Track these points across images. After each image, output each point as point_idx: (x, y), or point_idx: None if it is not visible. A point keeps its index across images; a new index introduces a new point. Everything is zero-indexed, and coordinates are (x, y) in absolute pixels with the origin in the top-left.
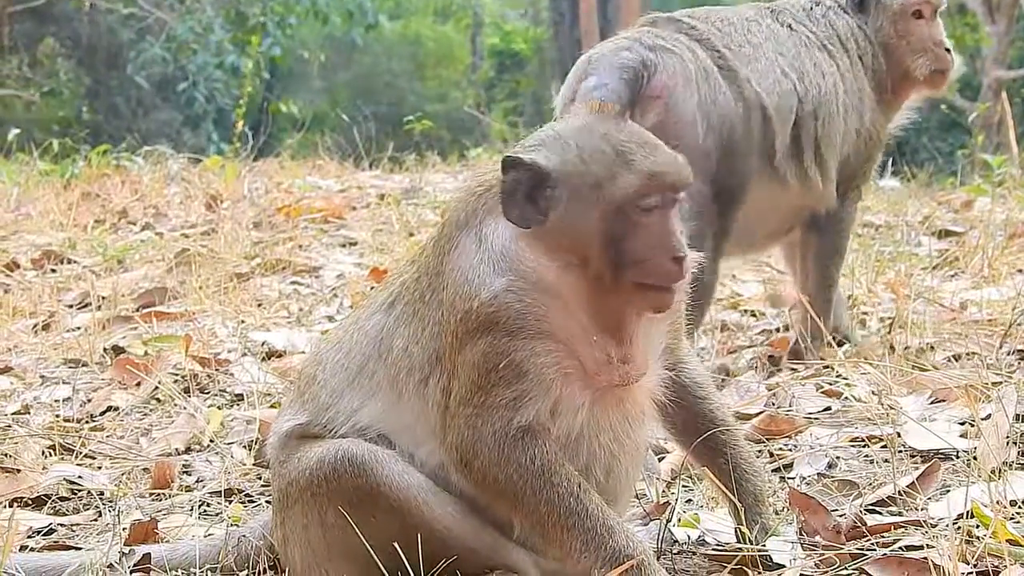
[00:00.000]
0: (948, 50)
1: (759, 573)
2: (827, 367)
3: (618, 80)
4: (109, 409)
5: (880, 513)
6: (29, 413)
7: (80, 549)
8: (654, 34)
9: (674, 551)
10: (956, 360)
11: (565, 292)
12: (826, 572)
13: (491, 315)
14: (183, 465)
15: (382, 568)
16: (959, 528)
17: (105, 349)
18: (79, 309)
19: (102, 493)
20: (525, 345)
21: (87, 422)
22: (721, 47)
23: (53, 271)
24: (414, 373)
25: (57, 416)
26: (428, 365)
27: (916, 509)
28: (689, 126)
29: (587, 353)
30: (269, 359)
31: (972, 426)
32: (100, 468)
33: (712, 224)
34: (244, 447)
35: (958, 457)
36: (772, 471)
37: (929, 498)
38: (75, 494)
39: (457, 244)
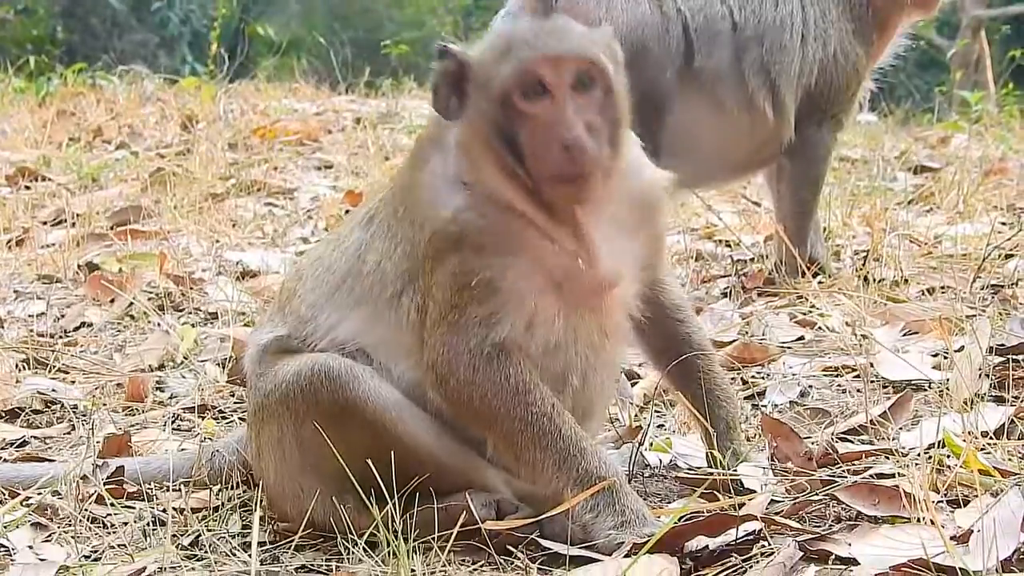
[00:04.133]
0: None
1: (730, 497)
2: (801, 297)
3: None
4: (83, 325)
5: (852, 442)
6: (3, 327)
7: (53, 461)
8: None
9: (645, 475)
10: (930, 293)
11: (509, 196)
12: (796, 498)
13: (456, 234)
14: (156, 381)
15: (355, 483)
16: (930, 457)
17: (79, 266)
18: (53, 226)
19: (75, 407)
20: (494, 261)
21: (61, 337)
22: None
23: (28, 188)
24: (387, 288)
25: (31, 331)
26: (400, 281)
27: (888, 438)
28: None
29: (554, 262)
30: (243, 279)
31: (945, 358)
32: (74, 382)
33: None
34: (217, 365)
35: (930, 388)
36: (745, 398)
37: (901, 428)
38: (48, 407)
39: (428, 160)
